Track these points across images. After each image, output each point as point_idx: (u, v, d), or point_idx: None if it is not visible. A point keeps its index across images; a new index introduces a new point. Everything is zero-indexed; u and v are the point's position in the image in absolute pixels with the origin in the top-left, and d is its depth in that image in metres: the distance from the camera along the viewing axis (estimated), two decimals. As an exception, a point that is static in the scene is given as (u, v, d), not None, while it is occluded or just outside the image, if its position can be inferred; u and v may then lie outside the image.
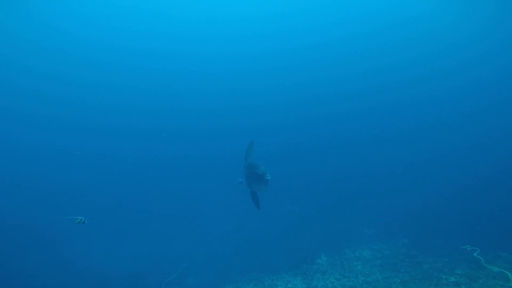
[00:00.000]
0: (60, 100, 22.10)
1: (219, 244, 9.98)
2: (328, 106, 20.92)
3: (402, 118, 18.45)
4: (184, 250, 9.84)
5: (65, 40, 21.61)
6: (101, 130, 21.83)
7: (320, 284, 6.14)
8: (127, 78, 24.16)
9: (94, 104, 22.64)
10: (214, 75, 24.88)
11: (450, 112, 17.60)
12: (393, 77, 21.93)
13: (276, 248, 9.32)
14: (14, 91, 21.33)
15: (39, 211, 13.25)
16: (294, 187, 11.29)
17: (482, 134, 14.19)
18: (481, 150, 12.78)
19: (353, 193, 11.53)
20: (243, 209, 11.88)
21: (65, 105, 22.02)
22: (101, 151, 19.95)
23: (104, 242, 10.79)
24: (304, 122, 20.01)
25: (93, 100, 22.78)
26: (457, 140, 14.50)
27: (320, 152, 15.45)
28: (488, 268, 4.73)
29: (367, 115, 19.54)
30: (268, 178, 4.29)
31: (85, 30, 21.63)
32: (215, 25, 23.43)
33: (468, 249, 4.57)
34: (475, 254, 4.27)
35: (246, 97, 23.92)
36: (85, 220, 4.32)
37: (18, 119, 20.96)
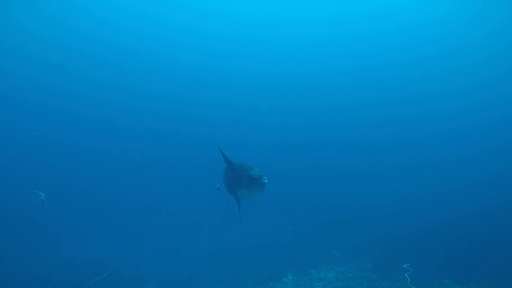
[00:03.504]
0: (67, 95, 22.35)
1: (186, 254, 10.06)
2: (308, 132, 21.85)
3: (382, 152, 19.61)
4: (148, 256, 9.86)
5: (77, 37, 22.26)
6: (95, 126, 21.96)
7: (279, 302, 6.45)
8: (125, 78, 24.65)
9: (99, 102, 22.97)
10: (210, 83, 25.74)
11: (433, 154, 18.85)
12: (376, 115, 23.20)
13: (246, 263, 9.53)
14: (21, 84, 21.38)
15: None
16: (268, 205, 11.67)
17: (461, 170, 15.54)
18: (455, 185, 13.89)
19: (326, 216, 12.10)
20: (218, 219, 12.22)
21: (73, 100, 22.27)
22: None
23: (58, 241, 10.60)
24: (286, 143, 20.78)
25: (100, 98, 23.11)
26: (436, 177, 15.61)
27: (297, 174, 16.09)
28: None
29: (348, 144, 20.62)
30: (266, 181, 3.85)
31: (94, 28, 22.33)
32: (218, 36, 24.56)
33: (405, 267, 5.07)
34: (406, 275, 4.78)
35: (235, 110, 24.65)
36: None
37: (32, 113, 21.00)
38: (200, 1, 22.95)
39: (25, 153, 18.52)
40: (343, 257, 9.19)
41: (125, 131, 22.28)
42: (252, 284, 7.99)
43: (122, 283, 8.02)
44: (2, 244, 9.59)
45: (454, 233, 9.25)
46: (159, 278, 8.44)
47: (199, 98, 25.01)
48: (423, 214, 11.41)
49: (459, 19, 21.18)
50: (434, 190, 13.84)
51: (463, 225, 9.51)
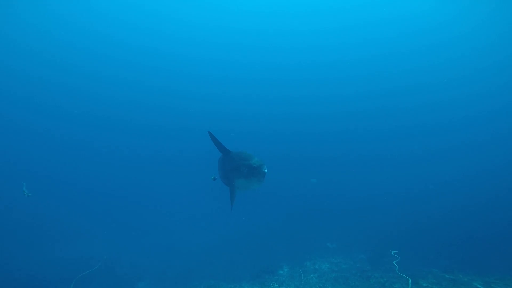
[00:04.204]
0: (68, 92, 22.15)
1: (181, 249, 10.19)
2: (301, 124, 21.99)
3: (375, 145, 19.88)
4: (144, 252, 9.96)
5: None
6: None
7: (274, 294, 6.65)
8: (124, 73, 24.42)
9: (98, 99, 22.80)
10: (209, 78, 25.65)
11: (430, 143, 19.16)
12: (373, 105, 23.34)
13: (242, 256, 9.72)
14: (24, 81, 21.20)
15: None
16: (262, 198, 11.83)
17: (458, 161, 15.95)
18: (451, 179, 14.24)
19: (320, 208, 12.33)
20: (212, 213, 12.35)
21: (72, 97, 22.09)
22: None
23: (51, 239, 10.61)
24: (280, 135, 20.92)
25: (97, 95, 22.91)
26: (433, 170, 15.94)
27: (290, 166, 16.24)
28: (420, 283, 5.48)
29: (341, 137, 20.85)
30: (266, 171, 3.76)
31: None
32: (217, 29, 24.38)
33: (393, 254, 5.26)
34: (394, 263, 4.98)
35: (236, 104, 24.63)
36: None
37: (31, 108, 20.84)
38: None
39: (22, 150, 18.44)
40: (337, 249, 9.43)
41: (119, 128, 22.20)
42: (248, 277, 8.16)
43: (118, 279, 8.12)
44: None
45: (443, 225, 9.55)
46: (154, 273, 8.56)
47: (190, 93, 24.95)
48: (415, 207, 11.72)
49: (449, 11, 21.36)
50: (425, 184, 14.20)
51: (451, 218, 9.86)
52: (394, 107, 23.15)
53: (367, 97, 23.89)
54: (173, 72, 25.79)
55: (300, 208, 12.61)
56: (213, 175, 4.55)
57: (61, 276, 7.92)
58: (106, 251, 9.74)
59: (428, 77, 23.58)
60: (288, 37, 24.73)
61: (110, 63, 24.32)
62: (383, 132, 21.38)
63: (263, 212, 12.28)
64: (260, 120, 22.72)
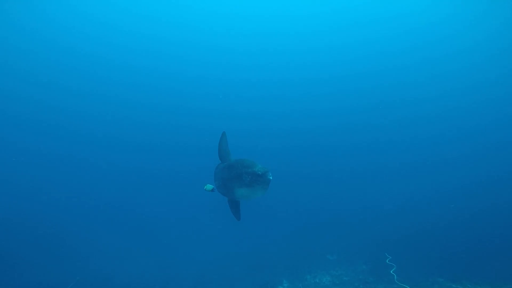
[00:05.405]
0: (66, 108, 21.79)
1: (179, 268, 9.75)
2: (307, 136, 21.90)
3: (374, 155, 19.81)
4: (136, 274, 9.47)
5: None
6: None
7: (275, 311, 6.32)
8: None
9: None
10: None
11: (430, 154, 19.13)
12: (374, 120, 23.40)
13: (241, 272, 9.37)
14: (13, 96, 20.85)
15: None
16: (260, 211, 11.56)
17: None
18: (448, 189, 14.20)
19: (319, 220, 12.11)
20: (210, 229, 11.95)
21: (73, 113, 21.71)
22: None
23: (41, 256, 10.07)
24: (277, 146, 20.76)
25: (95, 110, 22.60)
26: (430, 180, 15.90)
27: (287, 178, 16.04)
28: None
29: (338, 148, 20.77)
30: (271, 178, 3.54)
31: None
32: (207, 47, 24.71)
33: (387, 262, 5.08)
34: (391, 271, 4.81)
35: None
36: None
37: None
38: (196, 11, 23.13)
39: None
40: (338, 261, 9.17)
41: (120, 142, 21.75)
42: (247, 294, 7.82)
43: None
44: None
45: (447, 233, 9.40)
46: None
47: (191, 107, 24.79)
48: (417, 215, 11.57)
49: (461, 21, 21.67)
50: (426, 191, 14.09)
51: (455, 225, 9.72)
52: (390, 117, 23.23)
53: (365, 108, 23.82)
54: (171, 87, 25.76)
55: (298, 220, 12.36)
56: (211, 186, 4.26)
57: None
58: (100, 272, 9.26)
59: (430, 88, 23.76)
60: (289, 53, 25.17)
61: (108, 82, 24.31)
62: (378, 143, 21.34)
63: (260, 224, 11.96)
64: (258, 130, 22.53)
